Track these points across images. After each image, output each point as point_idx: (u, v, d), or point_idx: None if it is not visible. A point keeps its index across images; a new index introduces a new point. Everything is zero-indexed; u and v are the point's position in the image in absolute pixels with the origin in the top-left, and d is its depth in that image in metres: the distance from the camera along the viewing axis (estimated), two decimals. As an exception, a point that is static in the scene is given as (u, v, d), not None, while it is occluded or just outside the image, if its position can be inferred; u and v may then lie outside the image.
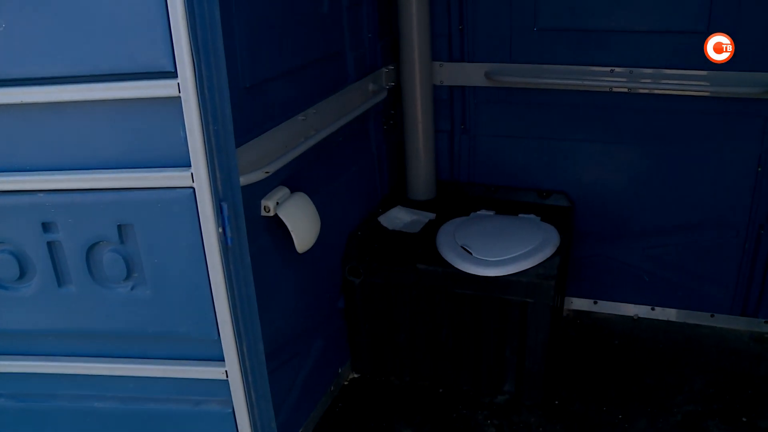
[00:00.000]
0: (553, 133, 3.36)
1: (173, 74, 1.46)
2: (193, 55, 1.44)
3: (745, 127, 3.06)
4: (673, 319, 3.52)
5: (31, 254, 1.74)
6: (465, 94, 3.44)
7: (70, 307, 1.79)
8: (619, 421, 2.88)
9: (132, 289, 1.73)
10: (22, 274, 1.77)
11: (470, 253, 2.89)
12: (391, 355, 3.16)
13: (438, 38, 3.32)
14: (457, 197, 3.50)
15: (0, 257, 1.74)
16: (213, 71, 1.49)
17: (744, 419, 2.85)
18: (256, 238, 2.27)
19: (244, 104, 2.20)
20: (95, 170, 1.61)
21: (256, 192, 2.27)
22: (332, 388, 3.09)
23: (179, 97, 1.48)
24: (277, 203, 2.34)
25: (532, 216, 3.21)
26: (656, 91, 3.12)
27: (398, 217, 3.28)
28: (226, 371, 1.76)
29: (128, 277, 1.72)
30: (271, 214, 2.32)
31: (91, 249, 1.71)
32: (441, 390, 3.11)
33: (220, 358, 1.75)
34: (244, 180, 2.06)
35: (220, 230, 1.60)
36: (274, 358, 2.46)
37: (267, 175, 2.20)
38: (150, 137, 1.56)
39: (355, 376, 3.25)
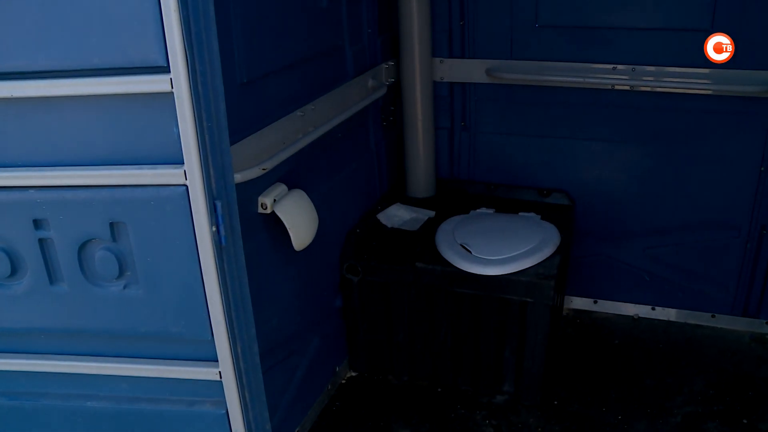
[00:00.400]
0: (554, 131, 3.33)
1: (166, 69, 1.44)
2: (186, 50, 1.41)
3: (747, 126, 3.04)
4: (673, 319, 3.50)
5: (23, 251, 1.72)
6: (465, 91, 3.41)
7: (61, 305, 1.77)
8: (618, 422, 2.86)
9: (124, 287, 1.71)
10: (14, 271, 1.74)
11: (470, 252, 2.86)
12: (389, 354, 3.13)
13: (438, 34, 3.28)
14: (456, 195, 3.47)
15: (-9, 254, 1.72)
16: (207, 66, 1.46)
17: (744, 421, 2.83)
18: (253, 236, 2.25)
19: (241, 100, 2.17)
20: (87, 167, 1.59)
21: (253, 189, 2.24)
22: (329, 387, 3.07)
23: (172, 92, 1.45)
24: (275, 200, 2.31)
25: (532, 214, 3.18)
26: (658, 89, 3.09)
27: (397, 215, 3.25)
28: (219, 372, 1.74)
29: (120, 275, 1.70)
30: (269, 211, 2.30)
31: (83, 247, 1.69)
32: (439, 389, 3.09)
33: (214, 359, 1.73)
34: (240, 177, 2.04)
35: (214, 229, 1.57)
36: (271, 356, 2.43)
37: (264, 172, 2.17)
38: (142, 134, 1.54)
39: (353, 374, 3.22)
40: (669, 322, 3.49)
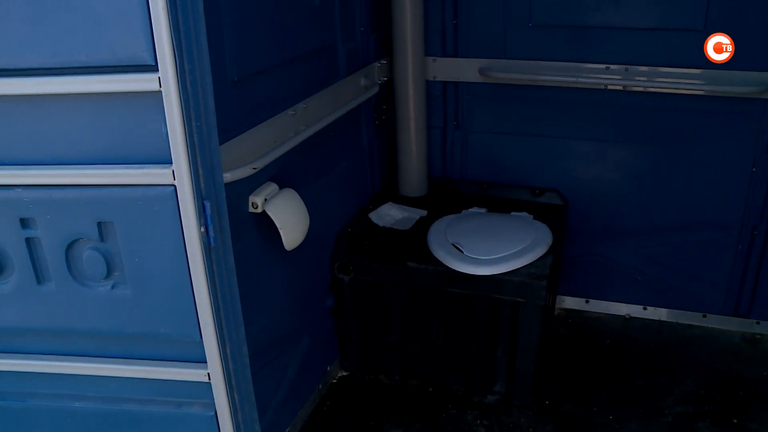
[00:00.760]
0: (547, 131, 3.33)
1: (154, 68, 1.42)
2: (174, 48, 1.40)
3: (739, 126, 3.04)
4: (664, 318, 3.50)
5: (10, 251, 1.70)
6: (458, 90, 3.40)
7: (49, 305, 1.76)
8: (609, 422, 2.86)
9: (112, 288, 1.69)
10: (0, 271, 1.73)
11: (462, 252, 2.85)
12: (380, 354, 3.13)
13: (432, 33, 3.27)
14: (448, 194, 3.46)
15: (-22, 253, 1.70)
16: (196, 65, 1.45)
17: (735, 421, 2.83)
18: (244, 235, 2.24)
19: (231, 98, 2.15)
20: (74, 166, 1.57)
21: (244, 188, 2.23)
22: (321, 387, 3.06)
23: (160, 91, 1.44)
24: (266, 199, 2.30)
25: (524, 214, 3.18)
26: (651, 89, 3.09)
27: (389, 214, 3.24)
28: (208, 373, 1.72)
29: (108, 275, 1.68)
30: (259, 210, 2.28)
31: (70, 246, 1.67)
32: (431, 389, 3.08)
33: (203, 360, 1.71)
34: (231, 176, 2.03)
35: (203, 229, 1.56)
36: (261, 356, 2.42)
37: (254, 171, 2.15)
38: (130, 133, 1.52)
39: (344, 374, 3.22)
40: (661, 321, 3.50)
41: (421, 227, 3.11)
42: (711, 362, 3.19)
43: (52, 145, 1.58)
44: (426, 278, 2.87)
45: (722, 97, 3.01)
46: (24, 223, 1.65)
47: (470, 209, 3.26)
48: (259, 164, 2.17)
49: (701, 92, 3.04)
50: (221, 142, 1.73)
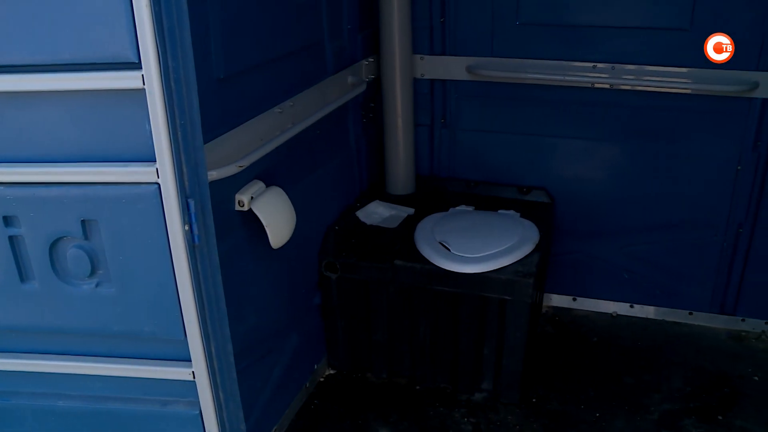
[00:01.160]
0: (534, 129, 3.33)
1: (137, 65, 1.42)
2: (158, 46, 1.39)
3: (725, 125, 3.05)
4: (651, 316, 3.52)
5: (-8, 249, 1.69)
6: (446, 88, 3.40)
7: (32, 303, 1.75)
8: (596, 420, 2.87)
9: (96, 286, 1.69)
10: (-17, 269, 1.72)
11: (449, 250, 2.86)
12: (368, 352, 3.12)
13: (419, 31, 3.27)
14: (436, 192, 3.46)
15: (-40, 251, 1.69)
16: (180, 62, 1.44)
17: (720, 417, 2.85)
18: (230, 233, 2.23)
19: (218, 96, 2.13)
20: (57, 164, 1.57)
21: (230, 186, 2.21)
22: (308, 385, 3.05)
23: (143, 89, 1.43)
24: (252, 198, 2.28)
25: (511, 212, 3.18)
26: (638, 88, 3.10)
27: (376, 212, 3.24)
28: (193, 372, 1.72)
29: (93, 274, 1.68)
30: (246, 208, 2.27)
31: (54, 244, 1.67)
32: (418, 387, 3.08)
33: (187, 359, 1.71)
34: (217, 174, 2.02)
35: (187, 227, 1.55)
36: (248, 354, 2.41)
37: (241, 169, 2.14)
38: (114, 131, 1.52)
39: (332, 372, 3.21)
40: (647, 319, 3.51)
41: (409, 225, 3.11)
42: (697, 359, 3.20)
43: (35, 143, 1.57)
44: (413, 276, 2.87)
45: (708, 96, 3.02)
46: (7, 221, 1.65)
47: (457, 207, 3.26)
48: (246, 162, 2.16)
49: (688, 91, 3.04)
50: (207, 140, 1.72)
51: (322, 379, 3.16)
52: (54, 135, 1.56)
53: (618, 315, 3.55)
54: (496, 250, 2.83)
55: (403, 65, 3.21)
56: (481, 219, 3.15)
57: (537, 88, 3.22)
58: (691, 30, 2.92)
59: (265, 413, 2.64)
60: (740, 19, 2.85)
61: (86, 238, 1.63)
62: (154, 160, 1.50)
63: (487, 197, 3.39)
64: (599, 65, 3.10)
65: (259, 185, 2.34)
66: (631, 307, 3.54)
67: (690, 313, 3.45)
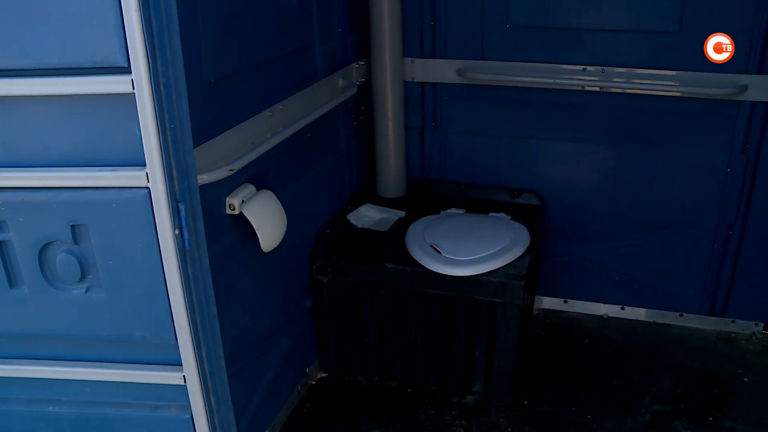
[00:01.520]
0: (525, 132, 3.34)
1: (126, 70, 1.41)
2: (147, 50, 1.39)
3: (714, 128, 3.07)
4: (642, 318, 3.53)
5: (-19, 254, 1.68)
6: (436, 91, 3.40)
7: (22, 308, 1.75)
8: (587, 422, 2.87)
9: (86, 291, 1.68)
10: (-28, 274, 1.71)
11: (439, 253, 2.86)
12: (359, 355, 3.12)
13: (410, 34, 3.27)
14: (427, 195, 3.47)
15: (-52, 257, 1.68)
16: (169, 67, 1.44)
17: (710, 419, 2.86)
18: (221, 237, 2.23)
19: (208, 100, 2.13)
20: (46, 168, 1.56)
21: (220, 190, 2.21)
22: (299, 388, 3.05)
23: (133, 93, 1.43)
24: (243, 201, 2.28)
25: (502, 215, 3.19)
26: (628, 91, 3.11)
27: (367, 215, 3.24)
28: (184, 376, 1.71)
29: (82, 278, 1.67)
30: (236, 212, 2.27)
31: (43, 249, 1.66)
32: (410, 390, 3.09)
33: (178, 363, 1.71)
34: (207, 177, 2.01)
35: (177, 232, 1.55)
36: (239, 358, 2.41)
37: (231, 172, 2.14)
38: (104, 135, 1.51)
39: (323, 375, 3.21)
40: (638, 321, 3.53)
41: (400, 228, 3.11)
42: (687, 361, 3.22)
43: (24, 148, 1.57)
44: (404, 279, 2.87)
45: (698, 99, 3.03)
46: (-5, 225, 1.64)
47: (448, 210, 3.27)
48: (236, 166, 2.16)
49: (678, 93, 3.06)
50: (197, 144, 1.72)
51: (313, 383, 3.16)
52: (43, 139, 1.55)
53: (609, 317, 3.56)
54: (487, 253, 2.83)
55: (393, 68, 3.21)
56: (471, 222, 3.15)
57: (527, 91, 3.23)
58: (680, 33, 2.93)
59: (256, 417, 2.64)
60: (730, 22, 2.86)
61: (76, 242, 1.63)
62: (144, 165, 1.49)
63: (478, 200, 3.39)
64: (589, 68, 3.12)
65: (250, 189, 2.34)
66: (622, 309, 3.55)
67: (680, 315, 3.46)
